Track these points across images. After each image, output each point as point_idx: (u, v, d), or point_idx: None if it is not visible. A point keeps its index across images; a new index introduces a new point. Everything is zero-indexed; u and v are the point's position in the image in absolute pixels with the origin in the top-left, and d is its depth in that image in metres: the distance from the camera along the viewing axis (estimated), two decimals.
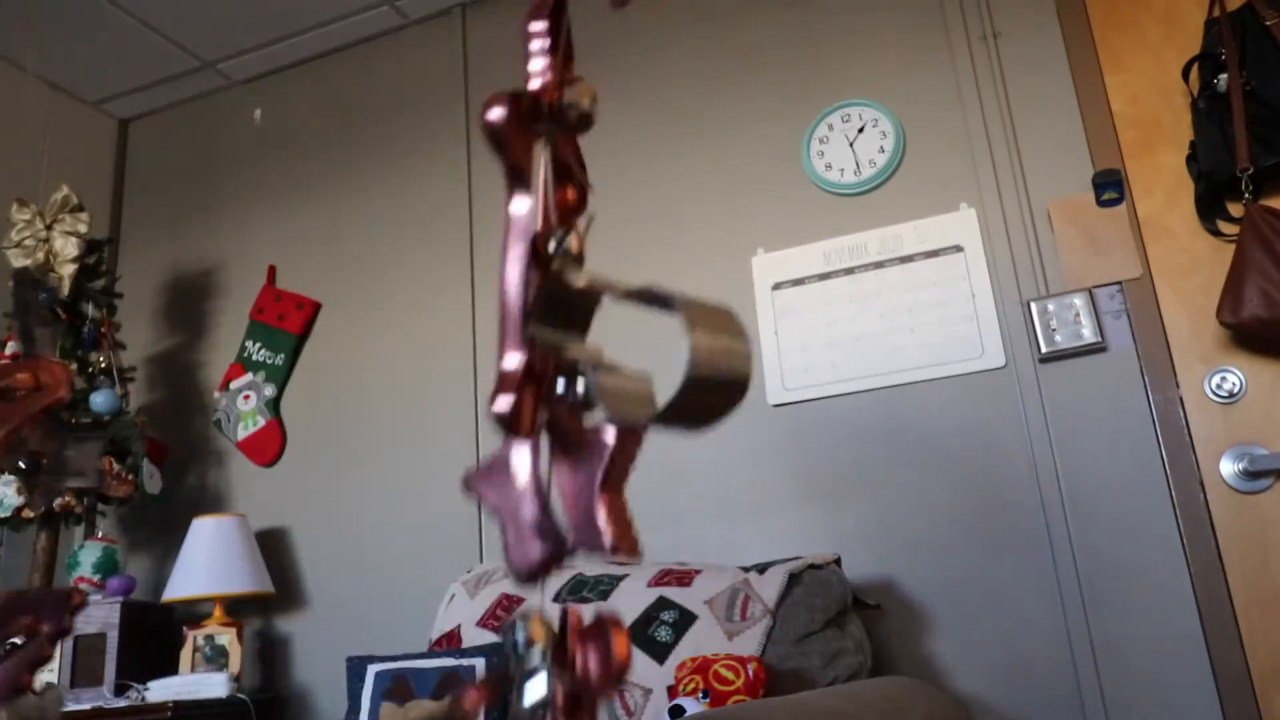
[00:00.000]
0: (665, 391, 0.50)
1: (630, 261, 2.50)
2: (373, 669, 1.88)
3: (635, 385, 0.52)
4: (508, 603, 1.95)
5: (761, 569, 1.78)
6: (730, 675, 1.52)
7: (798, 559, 1.80)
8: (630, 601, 1.80)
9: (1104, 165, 2.08)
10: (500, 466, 0.50)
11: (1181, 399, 1.95)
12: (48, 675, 2.23)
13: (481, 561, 2.44)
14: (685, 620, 1.73)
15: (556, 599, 1.89)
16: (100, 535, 2.54)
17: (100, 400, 2.49)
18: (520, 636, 0.48)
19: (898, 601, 2.06)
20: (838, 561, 1.84)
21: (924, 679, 1.97)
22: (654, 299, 0.49)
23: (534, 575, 0.46)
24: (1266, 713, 1.78)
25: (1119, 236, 2.04)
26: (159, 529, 2.84)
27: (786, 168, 2.38)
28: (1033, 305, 2.06)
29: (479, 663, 1.82)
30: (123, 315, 2.84)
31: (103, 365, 2.59)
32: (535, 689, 0.47)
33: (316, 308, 2.82)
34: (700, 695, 1.49)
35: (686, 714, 1.42)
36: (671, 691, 1.63)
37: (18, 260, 2.55)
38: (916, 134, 2.28)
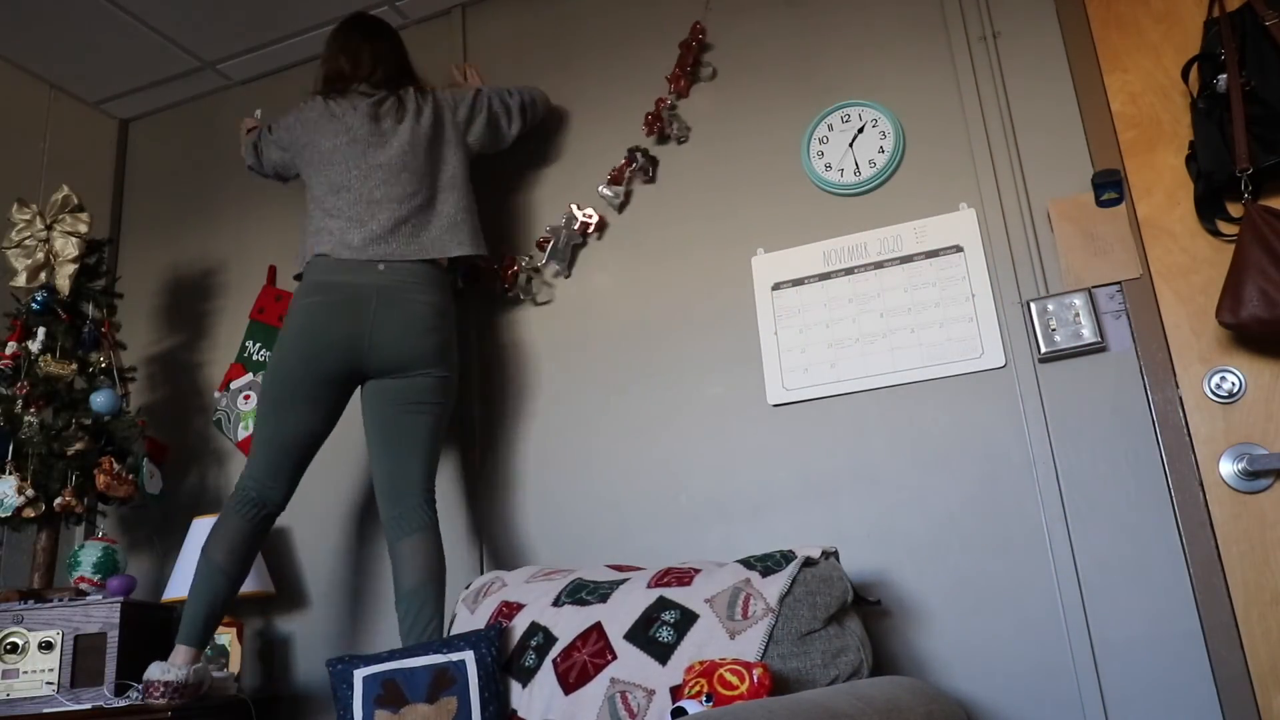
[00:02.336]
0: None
1: (630, 262, 2.50)
2: (359, 674, 1.82)
3: None
4: (507, 609, 1.95)
5: (765, 570, 1.77)
6: (735, 680, 1.52)
7: (792, 554, 1.79)
8: (630, 602, 1.80)
9: (1103, 165, 2.08)
10: None
11: (1181, 399, 1.95)
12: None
13: (482, 563, 2.44)
14: (686, 620, 1.72)
15: (556, 603, 1.89)
16: (100, 535, 2.54)
17: (100, 400, 2.49)
18: None
19: (897, 601, 2.06)
20: (836, 555, 1.83)
21: (924, 679, 1.97)
22: None
23: None
24: (1266, 712, 1.78)
25: (1118, 236, 2.04)
26: (159, 529, 2.84)
27: (786, 168, 2.39)
28: (1032, 305, 2.06)
29: (468, 655, 1.80)
30: (123, 315, 2.84)
31: (103, 365, 2.59)
32: None
33: None
34: (704, 699, 1.49)
35: (688, 715, 1.42)
36: (676, 692, 1.64)
37: (18, 260, 2.55)
38: (916, 134, 2.28)
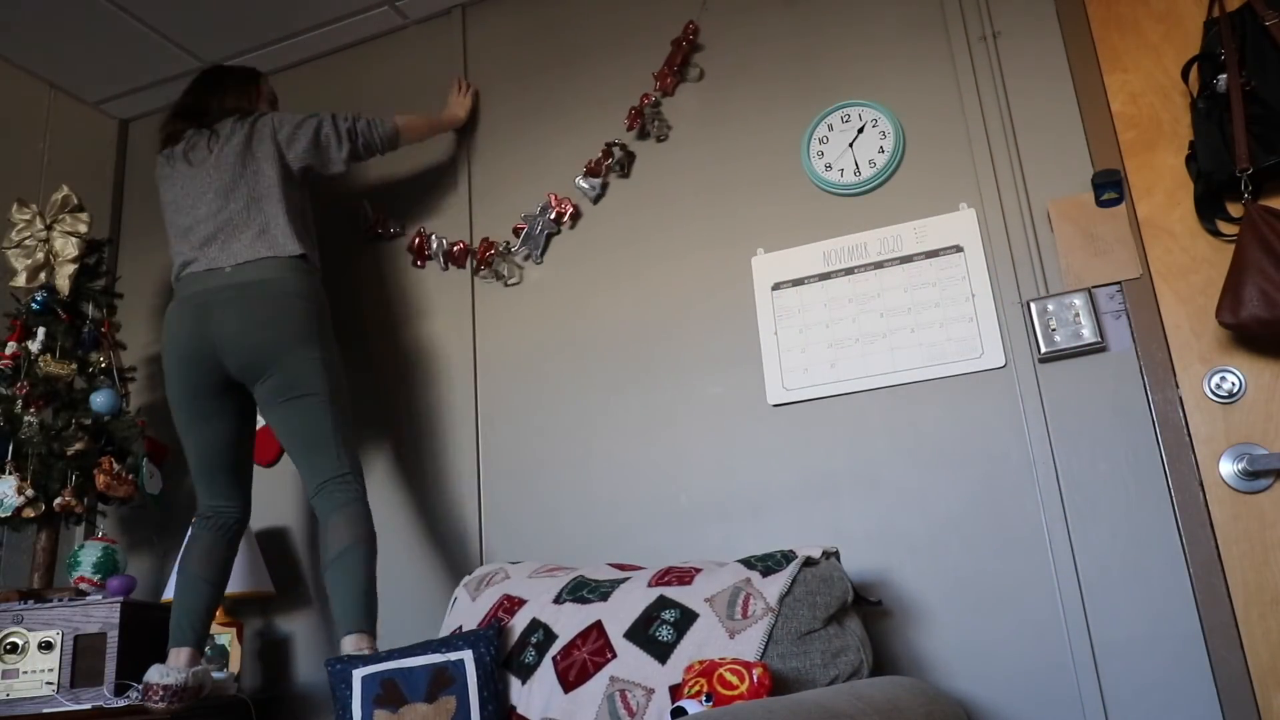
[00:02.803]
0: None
1: (630, 262, 2.50)
2: (358, 673, 1.82)
3: None
4: (509, 604, 1.95)
5: (765, 570, 1.77)
6: (735, 680, 1.52)
7: (792, 554, 1.79)
8: (630, 601, 1.80)
9: (1103, 165, 2.08)
10: None
11: (1181, 399, 1.95)
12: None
13: (481, 562, 2.44)
14: (686, 619, 1.72)
15: (557, 600, 1.89)
16: (100, 535, 2.54)
17: (100, 400, 2.49)
18: None
19: (898, 601, 2.06)
20: (836, 555, 1.83)
21: (924, 679, 1.97)
22: None
23: None
24: (1266, 712, 1.78)
25: (1118, 236, 2.04)
26: (159, 529, 2.84)
27: (786, 168, 2.39)
28: (1032, 305, 2.06)
29: (467, 655, 1.80)
30: (123, 315, 2.84)
31: (103, 365, 2.59)
32: None
33: None
34: (704, 699, 1.49)
35: (688, 715, 1.42)
36: (676, 692, 1.63)
37: (18, 260, 2.55)
38: (916, 134, 2.28)
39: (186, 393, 2.20)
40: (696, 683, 1.54)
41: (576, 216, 2.58)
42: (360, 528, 2.08)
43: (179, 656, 2.08)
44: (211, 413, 2.21)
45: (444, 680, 1.78)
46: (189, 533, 2.22)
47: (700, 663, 1.58)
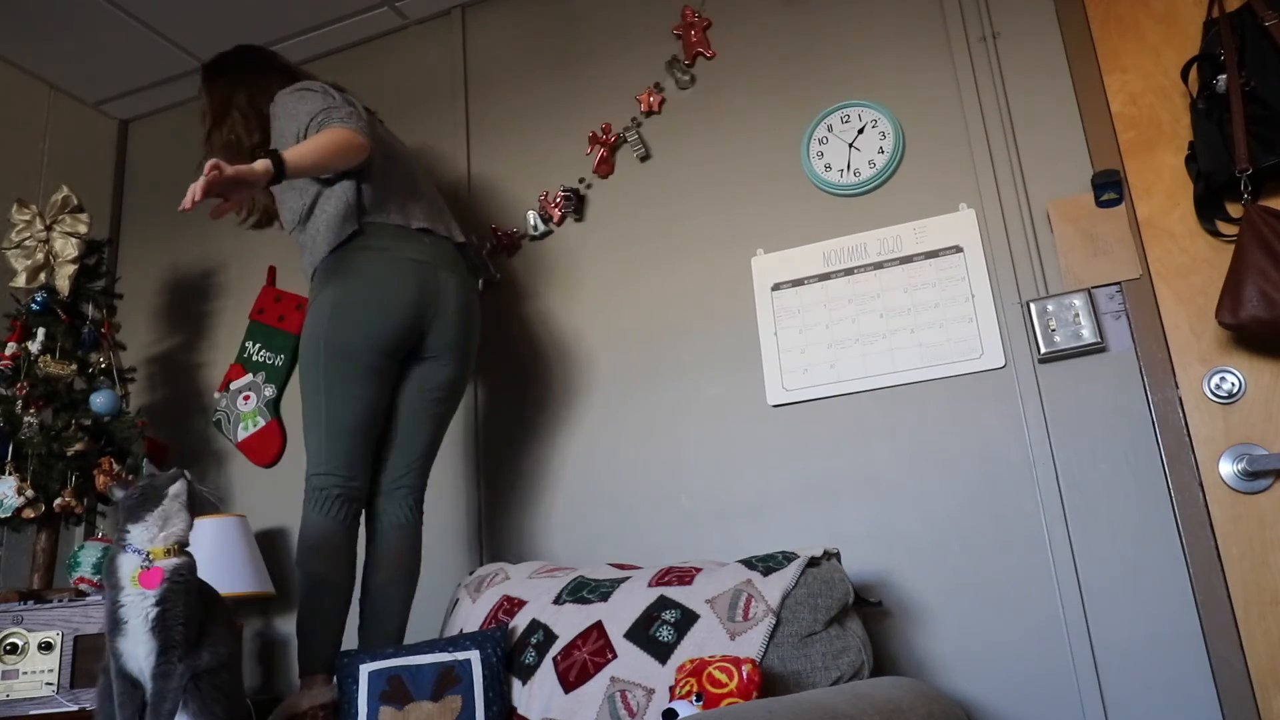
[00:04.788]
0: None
1: (630, 262, 2.50)
2: (365, 669, 1.82)
3: None
4: (509, 605, 1.95)
5: (766, 570, 1.77)
6: (723, 678, 1.51)
7: (794, 555, 1.79)
8: (631, 601, 1.80)
9: (1103, 165, 2.08)
10: None
11: (1180, 399, 1.95)
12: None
13: (481, 563, 2.44)
14: (687, 620, 1.72)
15: (557, 600, 1.89)
16: (100, 535, 2.54)
17: (100, 400, 2.49)
18: None
19: (898, 601, 2.06)
20: (837, 556, 1.83)
21: (923, 679, 1.97)
22: None
23: None
24: (1266, 712, 1.78)
25: (1118, 237, 2.04)
26: None
27: (786, 168, 2.39)
28: (1032, 306, 2.06)
29: (474, 655, 1.80)
30: (123, 315, 2.84)
31: (103, 365, 2.58)
32: None
33: None
34: (694, 698, 1.49)
35: (680, 717, 1.42)
36: (671, 693, 1.64)
37: (17, 260, 2.55)
38: (916, 134, 2.28)
39: (372, 346, 1.98)
40: (686, 683, 1.53)
41: (576, 216, 2.58)
42: (417, 560, 2.09)
43: (319, 681, 1.96)
44: (386, 374, 2.03)
45: (450, 679, 1.78)
46: (311, 522, 1.97)
47: (691, 662, 1.57)
